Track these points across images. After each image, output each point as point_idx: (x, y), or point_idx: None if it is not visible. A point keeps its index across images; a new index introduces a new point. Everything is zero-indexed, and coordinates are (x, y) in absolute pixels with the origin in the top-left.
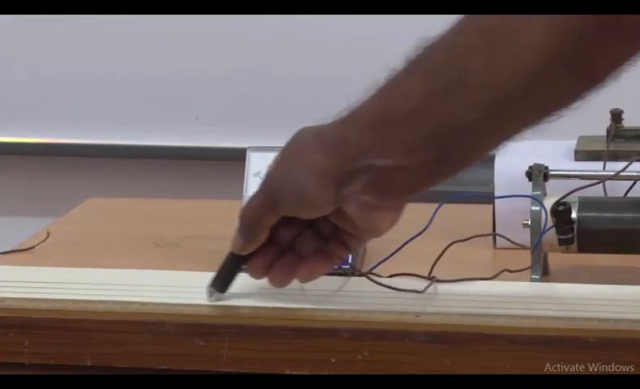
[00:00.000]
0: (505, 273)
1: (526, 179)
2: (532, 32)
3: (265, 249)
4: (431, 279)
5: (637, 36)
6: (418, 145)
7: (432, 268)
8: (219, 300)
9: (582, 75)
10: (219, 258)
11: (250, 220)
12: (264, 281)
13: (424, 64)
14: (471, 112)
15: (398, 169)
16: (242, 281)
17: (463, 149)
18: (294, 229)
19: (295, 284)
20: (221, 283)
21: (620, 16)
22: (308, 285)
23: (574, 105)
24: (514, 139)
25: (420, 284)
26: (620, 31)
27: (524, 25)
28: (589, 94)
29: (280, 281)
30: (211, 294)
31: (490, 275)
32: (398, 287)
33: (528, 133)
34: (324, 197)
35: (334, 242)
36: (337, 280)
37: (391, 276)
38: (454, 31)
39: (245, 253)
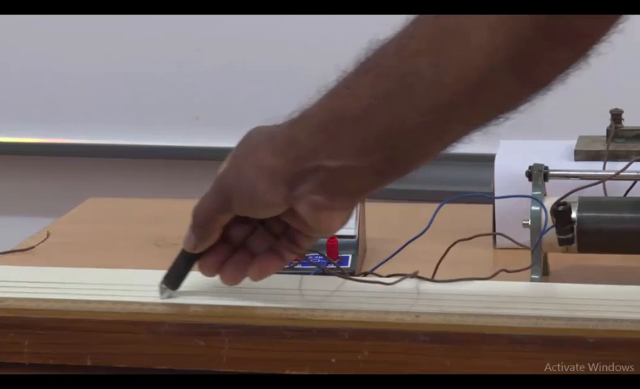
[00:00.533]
0: (506, 273)
1: (526, 179)
2: (481, 34)
3: (217, 247)
4: (413, 275)
5: (580, 40)
6: (368, 146)
7: (436, 268)
8: (171, 297)
9: (529, 79)
10: None
11: (203, 219)
12: (216, 279)
13: (374, 66)
14: (419, 114)
15: (348, 170)
16: (195, 279)
17: (413, 150)
18: (246, 228)
19: (264, 282)
20: (173, 280)
21: (565, 20)
22: (308, 285)
23: (521, 108)
24: (463, 141)
25: (415, 284)
26: (565, 35)
27: (473, 27)
28: (536, 97)
29: (232, 279)
30: (162, 291)
31: (490, 276)
32: (367, 280)
33: (477, 134)
34: (275, 197)
35: (286, 241)
36: (337, 280)
37: (389, 276)
38: (404, 33)
39: (198, 251)
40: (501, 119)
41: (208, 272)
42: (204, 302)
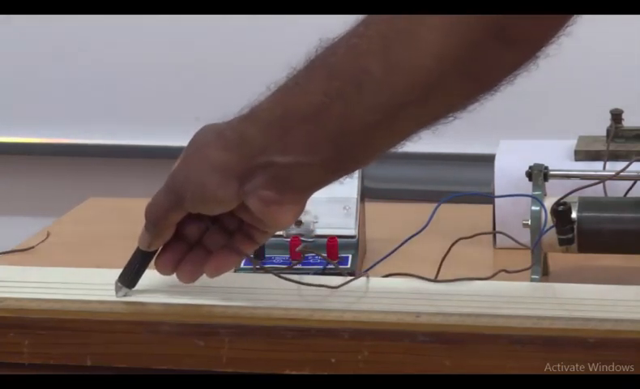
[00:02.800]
0: (506, 273)
1: (526, 179)
2: (430, 35)
3: (172, 245)
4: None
5: (529, 42)
6: (317, 143)
7: (439, 268)
8: (127, 295)
9: (477, 80)
10: None
11: (155, 217)
12: (173, 277)
13: (324, 64)
14: (369, 113)
15: (298, 166)
16: (152, 277)
17: (362, 148)
18: (201, 225)
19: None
20: (129, 278)
21: (506, 20)
22: (308, 286)
23: (471, 108)
24: (412, 139)
25: (415, 284)
26: (513, 37)
27: (423, 28)
28: (484, 98)
29: (188, 277)
30: (118, 290)
31: (490, 276)
32: (310, 282)
33: (426, 133)
34: (227, 193)
35: (241, 236)
36: (336, 280)
37: (388, 276)
38: (355, 32)
39: (152, 249)
40: (450, 118)
41: (164, 270)
42: (161, 300)
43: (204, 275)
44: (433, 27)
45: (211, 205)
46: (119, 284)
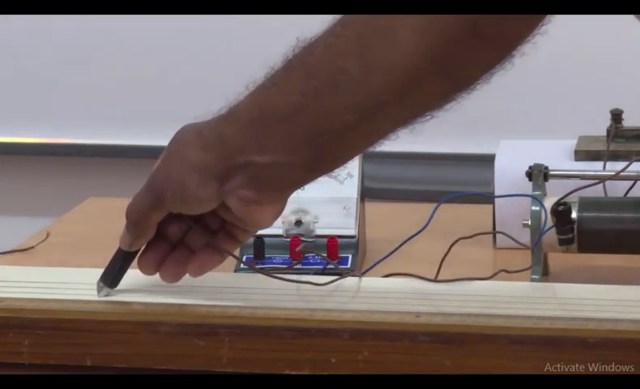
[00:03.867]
0: (506, 273)
1: (527, 179)
2: (407, 35)
3: (155, 245)
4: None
5: (500, 41)
6: (295, 143)
7: (439, 268)
8: (109, 295)
9: (454, 79)
10: None
11: (136, 217)
12: (156, 277)
13: (302, 64)
14: (347, 113)
15: (277, 166)
16: (134, 277)
17: (340, 147)
18: (183, 225)
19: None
20: (111, 278)
21: (481, 20)
22: (308, 286)
23: (448, 107)
24: (390, 138)
25: (415, 284)
26: (490, 36)
27: (400, 28)
28: (461, 96)
29: (171, 276)
30: (100, 289)
31: (490, 276)
32: (299, 280)
33: (409, 131)
34: (206, 193)
35: (223, 235)
36: (333, 279)
37: (388, 276)
38: (332, 32)
39: (134, 249)
40: (428, 117)
41: (147, 270)
42: (141, 300)
43: (187, 275)
44: (410, 26)
45: (191, 205)
46: (101, 284)
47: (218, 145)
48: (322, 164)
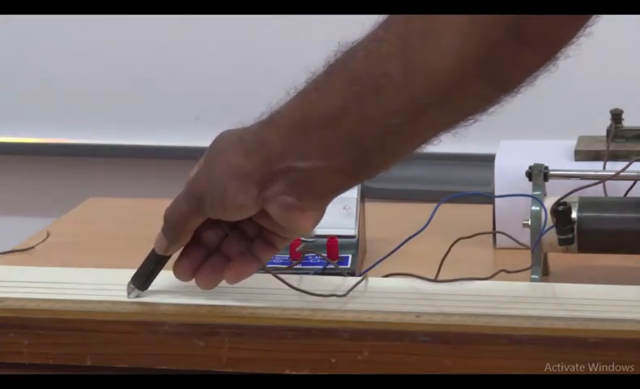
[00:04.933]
0: (506, 273)
1: (526, 179)
2: (450, 37)
3: (191, 251)
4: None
5: (550, 43)
6: (337, 148)
7: (439, 268)
8: (139, 297)
9: (498, 82)
10: None
11: (175, 222)
12: (160, 277)
13: (344, 68)
14: (389, 117)
15: (318, 171)
16: (163, 279)
17: (382, 152)
18: (220, 231)
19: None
20: (142, 280)
21: (535, 22)
22: (308, 286)
23: (491, 110)
24: (433, 143)
25: (415, 284)
26: (534, 37)
27: (443, 30)
28: (505, 100)
29: (208, 283)
30: (130, 291)
31: (490, 276)
32: (319, 293)
33: (447, 136)
34: (246, 199)
35: (261, 243)
36: (337, 280)
37: (388, 276)
38: (374, 36)
39: (169, 254)
40: (471, 121)
41: (184, 277)
42: (160, 300)
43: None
44: (453, 27)
45: (231, 211)
46: (132, 286)
47: (259, 151)
48: (363, 169)
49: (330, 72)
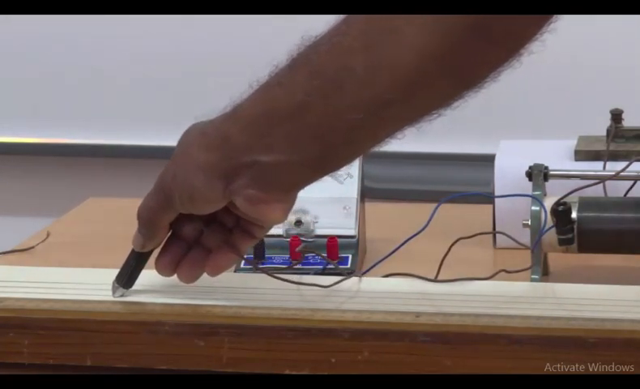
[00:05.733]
0: (506, 273)
1: (526, 179)
2: (413, 33)
3: (171, 246)
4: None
5: (508, 41)
6: (300, 142)
7: (439, 268)
8: (124, 295)
9: (460, 79)
10: None
11: (146, 219)
12: (174, 277)
13: (307, 62)
14: (352, 111)
15: (282, 165)
16: (151, 277)
17: (346, 146)
18: (197, 225)
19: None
20: (125, 279)
21: (489, 20)
22: (309, 287)
23: (455, 105)
24: (397, 137)
25: (415, 284)
26: (497, 35)
27: (406, 26)
28: (468, 95)
29: (189, 277)
30: (115, 290)
31: (490, 276)
32: (302, 281)
33: (410, 131)
34: (213, 192)
35: (239, 233)
36: (337, 280)
37: (388, 276)
38: (337, 30)
39: (147, 250)
40: (435, 116)
41: (164, 272)
42: (160, 300)
43: (205, 274)
44: (416, 25)
45: (200, 204)
46: (116, 285)
47: (222, 145)
48: (327, 163)
49: (294, 66)
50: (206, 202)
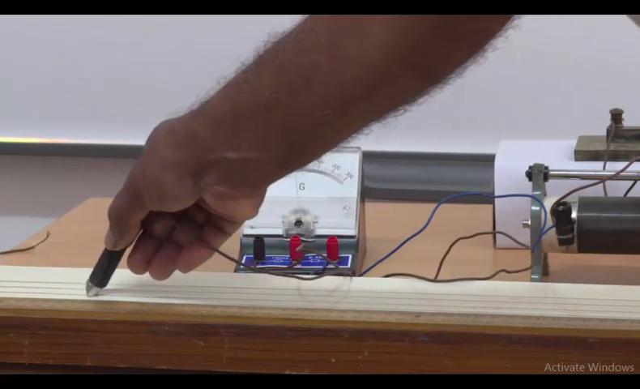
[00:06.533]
0: (506, 273)
1: (526, 179)
2: (378, 31)
3: (143, 244)
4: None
5: (471, 37)
6: (268, 139)
7: (439, 268)
8: (98, 294)
9: (426, 75)
10: (219, 258)
11: (116, 217)
12: (173, 277)
13: (273, 59)
14: (318, 108)
15: (250, 162)
16: (135, 277)
17: (313, 143)
18: (169, 222)
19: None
20: (98, 278)
21: (451, 18)
22: (308, 286)
23: (420, 101)
24: (364, 133)
25: (415, 284)
26: (462, 33)
27: (371, 24)
28: (433, 90)
29: (161, 274)
30: (89, 289)
31: (490, 276)
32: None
33: (410, 131)
34: (182, 190)
35: (210, 229)
36: (337, 280)
37: (388, 276)
38: (303, 27)
39: (119, 249)
40: (401, 111)
41: (136, 270)
42: (130, 299)
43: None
44: (380, 22)
45: (169, 202)
46: (90, 284)
47: (190, 142)
48: (294, 159)
49: (260, 62)
50: (176, 199)
